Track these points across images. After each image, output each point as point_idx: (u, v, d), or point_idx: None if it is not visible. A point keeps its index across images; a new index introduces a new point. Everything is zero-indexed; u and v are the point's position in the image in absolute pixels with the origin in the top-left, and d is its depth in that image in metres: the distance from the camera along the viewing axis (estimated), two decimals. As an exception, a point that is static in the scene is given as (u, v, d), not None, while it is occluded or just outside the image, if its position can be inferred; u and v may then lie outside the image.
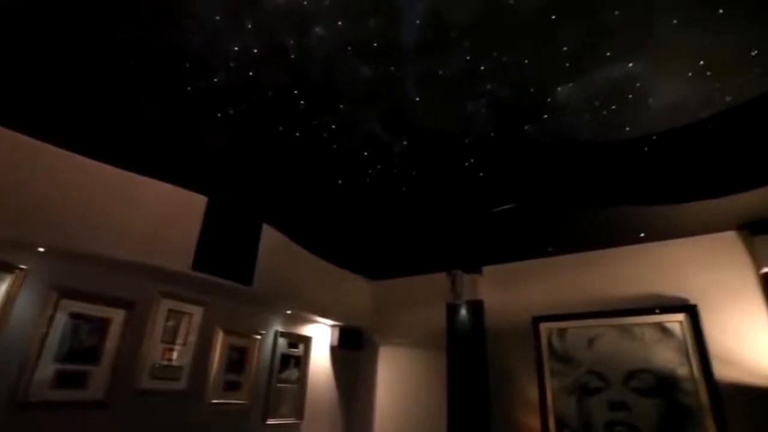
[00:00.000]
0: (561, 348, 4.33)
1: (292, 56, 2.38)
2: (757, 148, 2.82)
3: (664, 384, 3.77)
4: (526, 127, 2.74)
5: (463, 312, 4.85)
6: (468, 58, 2.31)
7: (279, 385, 4.51)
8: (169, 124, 2.92)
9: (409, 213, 3.91)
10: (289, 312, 4.70)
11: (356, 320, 5.36)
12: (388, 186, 3.47)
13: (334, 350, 5.27)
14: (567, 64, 2.30)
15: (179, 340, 3.68)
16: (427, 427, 4.69)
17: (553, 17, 2.07)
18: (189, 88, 2.59)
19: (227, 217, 3.73)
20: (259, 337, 4.39)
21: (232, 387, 4.05)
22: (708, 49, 2.17)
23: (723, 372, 3.58)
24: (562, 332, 4.37)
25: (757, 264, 3.67)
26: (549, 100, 2.51)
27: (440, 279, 5.07)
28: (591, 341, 4.20)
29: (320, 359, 5.12)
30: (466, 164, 3.12)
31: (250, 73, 2.49)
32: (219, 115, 2.80)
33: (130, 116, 2.84)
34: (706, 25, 2.06)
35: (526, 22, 2.12)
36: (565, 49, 2.23)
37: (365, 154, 3.10)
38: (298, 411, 4.65)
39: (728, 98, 2.44)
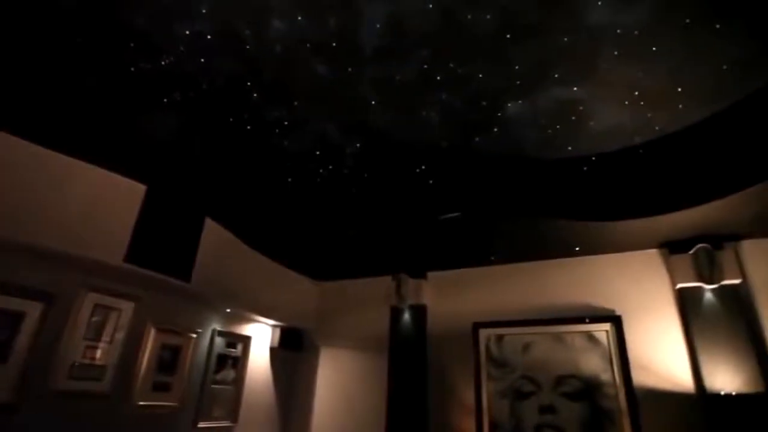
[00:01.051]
0: (498, 353, 4.50)
1: (248, 47, 2.31)
2: (677, 175, 3.09)
3: (589, 389, 4.02)
4: (476, 139, 2.83)
5: (407, 316, 4.91)
6: (425, 66, 2.35)
7: (214, 386, 4.33)
8: (109, 106, 2.73)
9: (357, 215, 3.91)
10: (228, 311, 4.53)
11: (299, 321, 5.28)
12: (339, 187, 3.45)
13: (274, 351, 5.14)
14: (518, 82, 2.41)
15: (105, 338, 3.44)
16: (366, 427, 4.69)
17: (508, 36, 2.16)
18: (133, 69, 2.44)
19: (167, 208, 3.54)
20: (194, 335, 4.20)
21: (162, 388, 3.84)
22: (642, 81, 2.35)
23: (640, 378, 3.88)
24: (499, 338, 4.54)
25: (674, 280, 4.01)
26: (499, 114, 2.61)
27: (385, 282, 5.11)
28: (526, 347, 4.40)
29: (259, 360, 4.98)
30: (417, 171, 3.17)
31: (202, 60, 2.39)
32: (165, 100, 2.66)
33: (66, 93, 2.62)
34: (642, 60, 2.24)
35: (482, 39, 2.19)
36: (516, 67, 2.33)
37: (317, 153, 3.07)
38: (233, 413, 4.49)
39: (657, 127, 2.66)
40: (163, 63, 2.41)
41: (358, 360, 5.13)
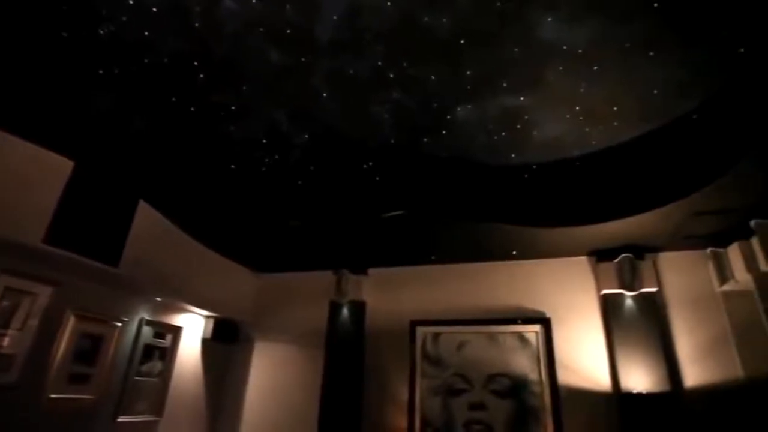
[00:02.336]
0: (433, 351, 4.60)
1: (197, 24, 2.19)
2: (608, 189, 3.31)
3: (517, 387, 4.22)
4: (425, 140, 2.86)
5: (346, 311, 4.91)
6: (379, 63, 2.34)
7: (138, 378, 4.09)
8: (37, 74, 2.49)
9: (301, 207, 3.84)
10: (159, 299, 4.29)
11: (235, 313, 5.11)
12: (284, 178, 3.38)
13: (206, 343, 4.94)
14: (468, 87, 2.46)
15: (15, 324, 3.14)
16: (299, 424, 4.64)
17: (462, 42, 2.20)
18: (65, 34, 2.24)
19: (96, 187, 3.28)
20: (120, 324, 3.94)
21: (79, 380, 3.57)
22: (583, 97, 2.49)
23: (564, 377, 4.13)
24: (436, 336, 4.65)
25: (599, 286, 4.30)
26: (449, 117, 2.66)
27: (326, 277, 5.07)
28: (460, 346, 4.53)
29: (189, 352, 4.77)
30: (365, 167, 3.17)
31: (145, 33, 2.24)
32: (101, 72, 2.46)
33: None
34: (584, 77, 2.36)
35: (437, 42, 2.22)
36: (468, 72, 2.38)
37: (264, 141, 2.98)
38: (158, 407, 4.26)
39: (594, 142, 2.82)
40: (101, 32, 2.23)
41: (294, 354, 5.05)
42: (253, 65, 2.41)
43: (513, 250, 4.45)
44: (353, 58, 2.33)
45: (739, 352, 3.78)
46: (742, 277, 3.69)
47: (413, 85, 2.46)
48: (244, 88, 2.55)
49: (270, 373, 5.06)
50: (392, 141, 2.93)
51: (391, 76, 2.41)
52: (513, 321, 4.44)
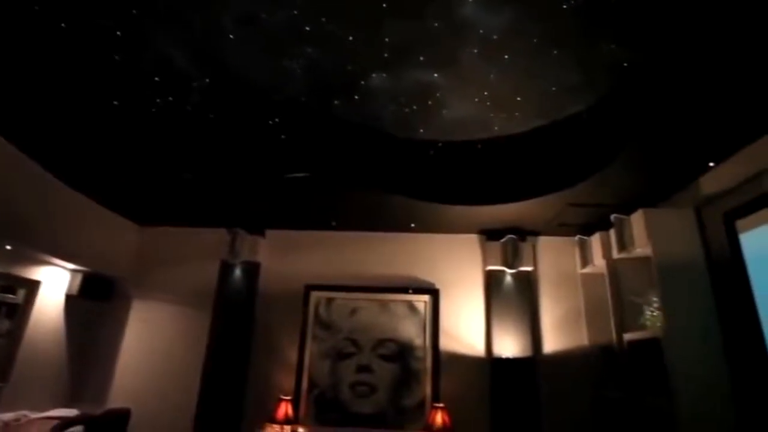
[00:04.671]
0: (326, 316, 4.66)
1: None
2: (502, 173, 3.54)
3: (403, 352, 4.48)
4: (336, 102, 2.77)
5: (238, 272, 4.71)
6: (295, 12, 2.17)
7: (-22, 337, 3.52)
8: None
9: (196, 158, 3.52)
10: (9, 248, 3.66)
11: (109, 267, 4.60)
12: (178, 123, 3.04)
13: (71, 300, 4.40)
14: (385, 55, 2.40)
15: None
16: (179, 388, 4.40)
17: (384, 6, 2.12)
18: None
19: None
20: (-45, 274, 3.32)
21: None
22: (492, 84, 2.58)
23: (446, 343, 4.47)
24: (329, 301, 4.69)
25: (485, 262, 4.67)
26: (362, 83, 2.59)
27: (219, 235, 4.78)
28: (353, 312, 4.64)
29: (49, 309, 4.21)
30: (270, 122, 2.98)
31: None
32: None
33: None
34: (495, 64, 2.44)
35: (359, 1, 2.11)
36: (387, 40, 2.31)
37: (156, 79, 2.63)
38: (2, 371, 3.73)
39: (496, 128, 2.97)
40: None
41: (178, 314, 4.74)
42: (147, -13, 2.08)
43: (411, 223, 4.60)
44: (270, 1, 2.12)
45: (587, 325, 4.41)
46: (598, 262, 4.26)
47: (330, 42, 2.33)
48: (134, 11, 2.20)
49: (149, 335, 4.70)
50: (302, 99, 2.78)
51: (308, 29, 2.25)
52: (405, 290, 4.65)
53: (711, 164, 3.23)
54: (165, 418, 4.29)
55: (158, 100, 2.80)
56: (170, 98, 2.79)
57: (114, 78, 2.63)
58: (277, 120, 2.98)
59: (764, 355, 2.90)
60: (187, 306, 4.74)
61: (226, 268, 4.72)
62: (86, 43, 2.38)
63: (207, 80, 2.65)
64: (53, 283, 4.24)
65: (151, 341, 4.67)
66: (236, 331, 4.53)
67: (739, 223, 3.13)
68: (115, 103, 2.84)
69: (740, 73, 2.34)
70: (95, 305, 4.64)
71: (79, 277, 4.38)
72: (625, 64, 2.36)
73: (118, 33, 2.32)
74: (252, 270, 4.75)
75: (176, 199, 4.34)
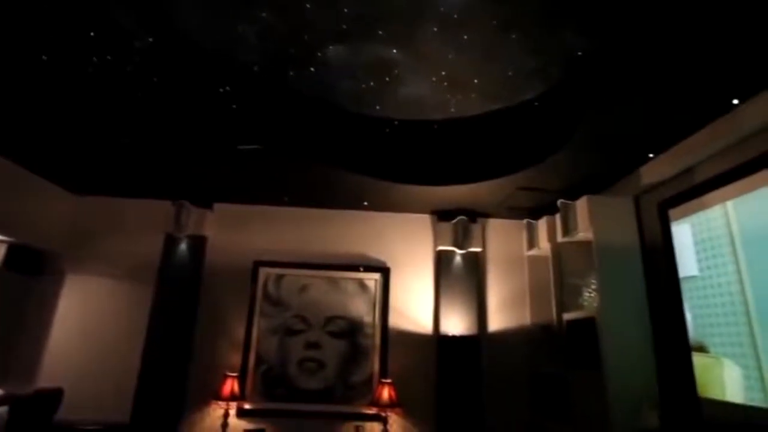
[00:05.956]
0: (275, 292, 4.59)
1: None
2: (455, 155, 3.57)
3: (352, 329, 4.52)
4: (291, 73, 2.66)
5: (184, 246, 4.53)
6: (249, -27, 2.04)
7: None
8: None
9: (138, 124, 3.30)
10: None
11: (39, 239, 4.28)
12: (117, 85, 2.82)
13: (-5, 272, 4.07)
14: (344, 26, 2.32)
15: None
16: (117, 367, 4.21)
17: (343, -27, 2.03)
18: None
19: None
20: None
21: None
22: (450, 63, 2.56)
23: (395, 321, 4.55)
24: (279, 278, 4.63)
25: (436, 242, 4.75)
26: (319, 54, 2.49)
27: (163, 207, 4.56)
28: (303, 289, 4.61)
29: (-31, 281, 3.88)
30: (221, 90, 2.83)
31: None
32: None
33: None
34: (454, 44, 2.42)
35: (317, -36, 2.01)
36: (346, 10, 2.23)
37: (92, 35, 2.41)
38: None
39: (452, 110, 2.97)
40: None
41: (117, 290, 4.51)
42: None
43: (365, 201, 4.58)
44: (219, -42, 1.98)
45: (531, 305, 4.62)
46: (544, 245, 4.45)
47: (287, 8, 2.22)
48: (65, -43, 1.98)
49: (85, 311, 4.44)
50: (255, 68, 2.64)
51: (263, -8, 2.13)
52: (356, 268, 4.66)
53: (651, 156, 3.42)
54: (102, 398, 4.12)
55: (94, 59, 2.57)
56: (108, 57, 2.57)
57: (41, 29, 2.39)
58: (228, 88, 2.83)
59: (684, 333, 3.16)
60: (127, 281, 4.52)
61: (170, 242, 4.52)
62: (8, -13, 2.13)
63: (150, 40, 2.46)
64: (-27, 254, 3.89)
65: (87, 318, 4.42)
66: (180, 307, 4.37)
67: (672, 212, 3.35)
68: (44, 57, 2.58)
69: (680, 72, 2.46)
70: (24, 279, 4.31)
71: (3, 249, 4.04)
72: (579, 53, 2.41)
73: (46, -21, 2.09)
74: (198, 244, 4.58)
75: (117, 167, 4.07)
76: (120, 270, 4.54)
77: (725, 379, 2.87)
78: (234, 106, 2.99)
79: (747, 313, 2.71)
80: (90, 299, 4.47)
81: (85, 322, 4.40)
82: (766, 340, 2.59)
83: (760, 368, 2.61)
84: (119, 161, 3.92)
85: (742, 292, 2.75)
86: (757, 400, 2.62)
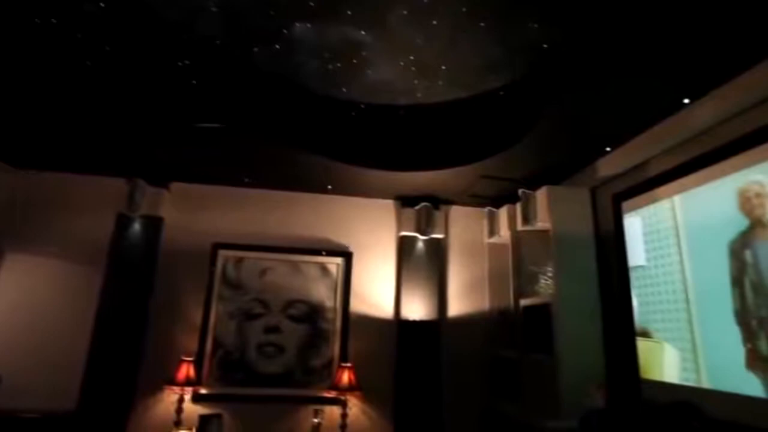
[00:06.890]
0: (234, 276, 4.49)
1: None
2: (419, 142, 3.57)
3: (313, 313, 4.50)
4: (255, 49, 2.55)
5: (138, 227, 4.33)
6: (211, -61, 1.93)
7: None
8: None
9: (87, 96, 3.10)
10: None
11: (-25, 214, 3.98)
12: (64, 53, 2.63)
13: None
14: (311, 4, 2.24)
15: None
16: (64, 350, 4.01)
17: (312, -53, 1.96)
18: None
19: None
20: None
21: None
22: (418, 48, 2.53)
23: (356, 305, 4.56)
24: (239, 261, 4.53)
25: (399, 228, 4.78)
26: (285, 31, 2.40)
27: (116, 185, 4.32)
28: (263, 272, 4.53)
29: None
30: (180, 64, 2.69)
31: None
32: None
33: None
34: (423, 29, 2.39)
35: (284, -65, 1.92)
36: (313, -14, 2.16)
37: (35, -4, 2.22)
38: None
39: (419, 95, 2.96)
40: None
41: (64, 271, 4.26)
42: None
43: (329, 185, 4.53)
44: None
45: (489, 291, 4.75)
46: (504, 233, 4.56)
47: (249, -20, 2.12)
48: None
49: (27, 293, 4.18)
50: (218, 41, 2.52)
51: (225, -40, 2.02)
52: (318, 252, 4.62)
53: (608, 149, 3.55)
54: (47, 384, 3.91)
55: (36, 20, 2.37)
56: (53, 20, 2.38)
57: (-24, -14, 2.17)
58: (187, 62, 2.69)
59: (631, 319, 3.35)
60: (75, 262, 4.28)
61: (123, 222, 4.31)
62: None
63: (102, 5, 2.29)
64: None
65: (29, 299, 4.16)
66: (133, 290, 4.20)
67: (625, 205, 3.51)
68: (-21, 18, 2.36)
69: (637, 70, 2.55)
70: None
71: (-67, 224, 3.73)
72: (545, 46, 2.45)
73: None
74: (154, 225, 4.39)
75: (64, 141, 3.82)
76: (67, 250, 4.29)
77: (664, 362, 3.07)
78: (194, 82, 2.85)
79: (687, 300, 2.90)
80: (32, 280, 4.21)
81: (26, 304, 4.14)
82: (702, 326, 2.78)
83: (694, 351, 2.81)
84: (67, 134, 3.67)
85: (684, 281, 2.94)
86: (690, 380, 2.82)
